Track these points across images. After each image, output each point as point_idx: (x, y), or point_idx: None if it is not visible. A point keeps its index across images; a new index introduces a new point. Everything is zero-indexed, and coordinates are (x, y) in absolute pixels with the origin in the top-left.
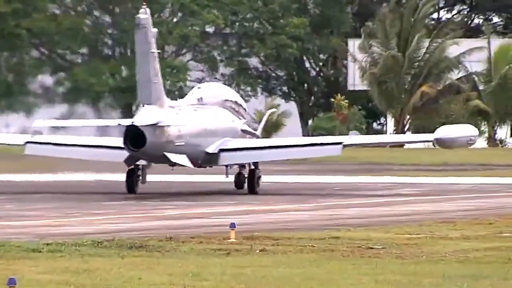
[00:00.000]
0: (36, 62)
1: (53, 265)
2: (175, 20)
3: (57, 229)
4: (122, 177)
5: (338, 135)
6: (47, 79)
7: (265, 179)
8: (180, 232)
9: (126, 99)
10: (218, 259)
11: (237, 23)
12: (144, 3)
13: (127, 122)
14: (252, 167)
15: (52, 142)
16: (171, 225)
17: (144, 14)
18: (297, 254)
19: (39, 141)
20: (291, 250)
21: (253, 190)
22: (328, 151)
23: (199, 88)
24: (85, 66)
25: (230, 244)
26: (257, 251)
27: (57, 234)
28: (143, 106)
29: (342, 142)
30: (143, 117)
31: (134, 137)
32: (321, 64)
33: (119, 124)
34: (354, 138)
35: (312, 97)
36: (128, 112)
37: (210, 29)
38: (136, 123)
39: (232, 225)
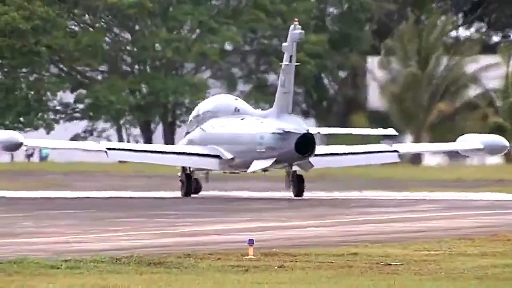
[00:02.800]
0: (56, 79)
1: (71, 281)
2: (194, 37)
3: (75, 246)
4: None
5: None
6: (67, 96)
7: (281, 195)
8: (198, 249)
9: (146, 116)
10: (236, 276)
11: (256, 40)
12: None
13: (301, 130)
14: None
15: (130, 148)
16: (189, 241)
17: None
18: (315, 270)
19: (117, 147)
20: (309, 267)
21: (301, 193)
22: (384, 158)
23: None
24: (104, 83)
25: (248, 261)
26: (275, 267)
27: (75, 250)
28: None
29: (397, 151)
30: (302, 125)
31: (305, 144)
32: (340, 81)
33: (277, 129)
34: (406, 146)
35: (331, 115)
36: (147, 130)
37: (229, 46)
38: (310, 131)
39: (250, 242)
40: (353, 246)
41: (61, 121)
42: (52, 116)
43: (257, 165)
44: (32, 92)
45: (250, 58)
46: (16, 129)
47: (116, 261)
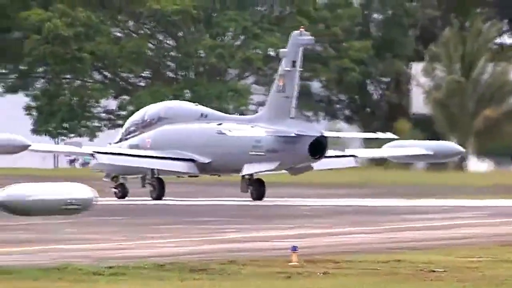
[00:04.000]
0: (99, 85)
1: None
2: (237, 43)
3: (118, 252)
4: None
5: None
6: (110, 103)
7: (323, 202)
8: (242, 255)
9: None
10: (280, 282)
11: None
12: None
13: (314, 132)
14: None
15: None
16: (232, 248)
17: None
18: (359, 277)
19: (103, 151)
20: (352, 273)
21: (261, 197)
22: (342, 163)
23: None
24: (148, 89)
25: (291, 267)
26: (319, 274)
27: (118, 257)
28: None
29: (355, 155)
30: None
31: (317, 147)
32: (384, 87)
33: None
34: (364, 151)
35: (375, 121)
36: None
37: (272, 52)
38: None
39: (294, 248)
40: (397, 253)
41: (104, 128)
42: (95, 124)
43: (251, 168)
44: (75, 99)
45: None
46: (60, 135)
47: (159, 268)
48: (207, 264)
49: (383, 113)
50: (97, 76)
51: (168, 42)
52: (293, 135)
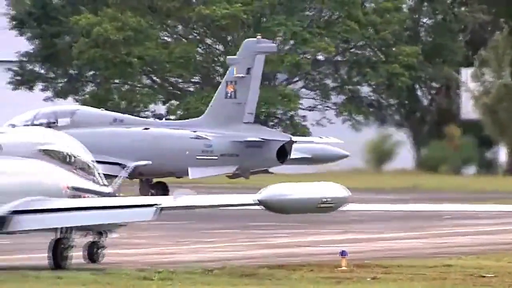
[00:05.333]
0: (148, 90)
1: None
2: (286, 48)
3: (168, 257)
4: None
5: (450, 164)
6: (159, 108)
7: (372, 207)
8: (291, 260)
9: None
10: (329, 287)
11: (349, 51)
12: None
13: (285, 137)
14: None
15: None
16: (281, 253)
17: None
18: (408, 282)
19: None
20: (401, 278)
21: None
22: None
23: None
24: (197, 94)
25: (341, 272)
26: (369, 279)
27: (168, 262)
28: None
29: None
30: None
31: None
32: (433, 92)
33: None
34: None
35: (424, 126)
36: None
37: (321, 57)
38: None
39: (343, 253)
40: (446, 258)
41: None
42: None
43: (199, 172)
44: (124, 103)
45: (343, 69)
46: None
47: (209, 273)
48: (257, 269)
49: (432, 119)
50: (146, 80)
51: (217, 47)
52: (259, 139)
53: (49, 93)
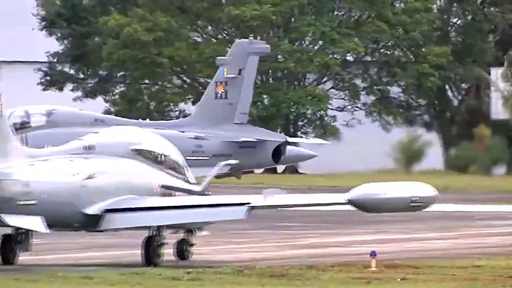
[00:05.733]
0: (178, 90)
1: None
2: (316, 48)
3: (198, 257)
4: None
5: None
6: (189, 108)
7: None
8: (320, 261)
9: (268, 128)
10: None
11: (378, 51)
12: None
13: (281, 138)
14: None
15: None
16: (311, 253)
17: None
18: (439, 282)
19: None
20: (432, 279)
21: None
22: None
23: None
24: None
25: (370, 273)
26: (398, 279)
27: (198, 262)
28: None
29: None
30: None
31: (278, 152)
32: (463, 93)
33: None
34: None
35: (454, 126)
36: None
37: (350, 57)
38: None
39: (373, 254)
40: (476, 259)
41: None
42: None
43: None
44: (153, 103)
45: (372, 69)
46: None
47: (238, 273)
48: (286, 270)
49: (462, 119)
50: (175, 81)
51: None
52: (254, 140)
53: (78, 93)
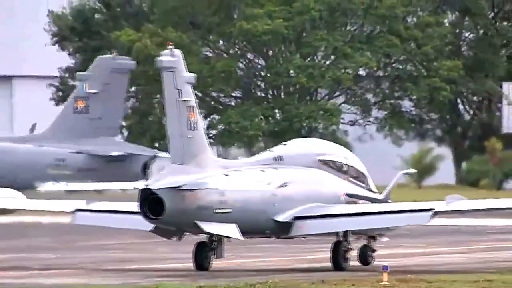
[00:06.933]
0: None
1: None
2: (328, 63)
3: (212, 269)
4: None
5: (492, 178)
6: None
7: None
8: (332, 275)
9: (279, 142)
10: None
11: (390, 66)
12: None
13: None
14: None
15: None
16: (323, 267)
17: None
18: None
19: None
20: None
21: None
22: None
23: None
24: (238, 108)
25: (383, 287)
26: None
27: (210, 275)
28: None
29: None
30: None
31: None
32: (475, 107)
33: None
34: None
35: (466, 140)
36: None
37: (362, 71)
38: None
39: (385, 268)
40: (488, 273)
41: None
42: None
43: (51, 186)
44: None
45: (384, 84)
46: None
47: (251, 287)
48: (298, 284)
49: (474, 133)
50: None
51: (258, 61)
52: (123, 153)
53: None
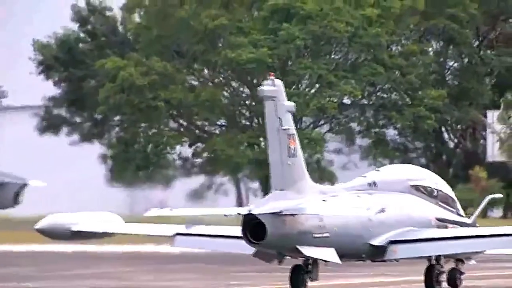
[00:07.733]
0: (174, 133)
1: None
2: (312, 91)
3: None
4: None
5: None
6: (185, 150)
7: None
8: None
9: (265, 170)
10: None
11: (375, 94)
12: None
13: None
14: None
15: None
16: None
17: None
18: None
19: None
20: None
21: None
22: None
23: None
24: (223, 137)
25: None
26: None
27: None
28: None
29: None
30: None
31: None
32: (459, 135)
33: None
34: None
35: (451, 169)
36: (266, 184)
37: (347, 100)
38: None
39: None
40: None
41: (178, 177)
42: (171, 172)
43: None
44: (150, 146)
45: (369, 112)
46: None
47: None
48: None
49: (458, 161)
50: (172, 124)
51: (243, 90)
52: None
53: (75, 137)
